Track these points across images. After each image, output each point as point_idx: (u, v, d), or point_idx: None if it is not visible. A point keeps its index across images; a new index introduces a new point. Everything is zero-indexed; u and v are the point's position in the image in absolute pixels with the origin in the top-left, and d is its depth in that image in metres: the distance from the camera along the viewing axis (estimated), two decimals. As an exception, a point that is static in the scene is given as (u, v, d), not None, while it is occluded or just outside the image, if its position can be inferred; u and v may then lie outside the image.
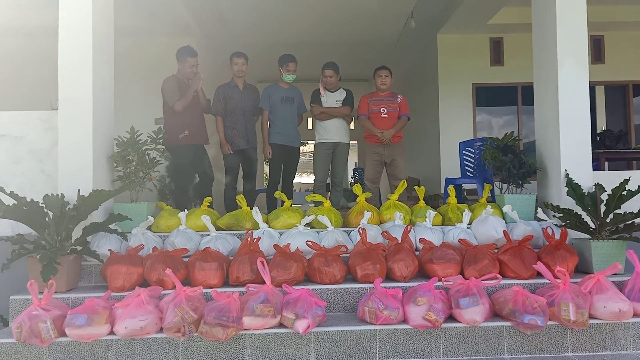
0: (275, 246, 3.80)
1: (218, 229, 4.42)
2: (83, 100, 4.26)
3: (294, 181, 5.79)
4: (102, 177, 4.41)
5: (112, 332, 3.19)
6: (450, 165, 7.84)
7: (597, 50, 8.61)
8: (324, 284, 3.67)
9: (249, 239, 3.84)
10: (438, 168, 8.37)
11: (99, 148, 4.36)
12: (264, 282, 3.35)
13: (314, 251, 3.83)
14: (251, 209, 4.38)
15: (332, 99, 5.70)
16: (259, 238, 3.90)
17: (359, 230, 3.93)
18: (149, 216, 4.25)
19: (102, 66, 4.49)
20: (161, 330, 3.18)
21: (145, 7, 6.69)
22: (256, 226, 4.31)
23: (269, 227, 4.31)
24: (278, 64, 5.60)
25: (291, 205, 4.63)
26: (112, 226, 4.04)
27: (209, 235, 4.12)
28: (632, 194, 3.87)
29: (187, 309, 3.15)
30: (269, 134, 5.55)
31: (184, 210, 4.29)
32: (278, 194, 4.80)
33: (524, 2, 5.03)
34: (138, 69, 7.31)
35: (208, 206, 4.62)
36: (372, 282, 3.52)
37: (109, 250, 3.84)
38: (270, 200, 5.52)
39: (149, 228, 4.34)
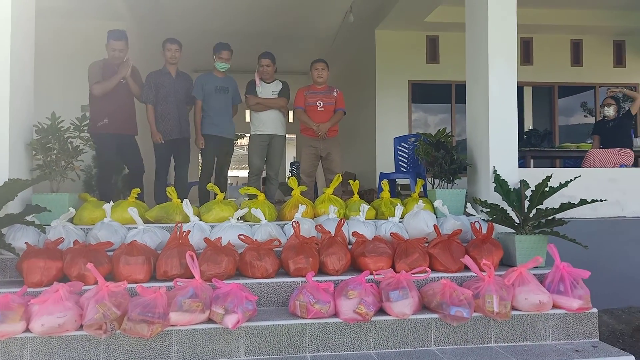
0: (206, 240, 3.69)
1: (147, 222, 4.25)
2: (-1, 84, 3.97)
3: (230, 174, 5.68)
4: (19, 165, 4.13)
5: (27, 330, 2.99)
6: (385, 160, 7.96)
7: (526, 52, 9.01)
8: (256, 278, 3.61)
9: (178, 232, 3.71)
10: (374, 163, 8.48)
11: (16, 135, 4.08)
12: (193, 277, 3.24)
13: (246, 245, 3.76)
14: (182, 201, 4.24)
15: (268, 90, 5.62)
16: (189, 231, 3.78)
17: (292, 224, 3.89)
18: (71, 208, 4.01)
19: (21, 48, 4.20)
20: (81, 327, 3.01)
21: (72, -14, 6.35)
22: (187, 219, 4.18)
23: (200, 220, 4.19)
24: (213, 52, 5.46)
25: (224, 198, 4.52)
26: (29, 218, 3.78)
27: (136, 228, 3.95)
28: (553, 190, 4.05)
29: (109, 305, 2.99)
30: (202, 125, 5.39)
31: (109, 202, 4.09)
32: (211, 186, 4.68)
33: (460, 1, 5.15)
34: (63, 52, 6.91)
35: (136, 198, 4.44)
36: (305, 276, 3.49)
37: (26, 243, 3.59)
38: (202, 192, 5.37)
39: (71, 220, 4.11)
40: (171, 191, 4.42)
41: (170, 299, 3.09)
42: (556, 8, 8.25)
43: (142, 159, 5.21)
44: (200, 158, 5.58)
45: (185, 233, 3.72)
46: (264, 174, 5.89)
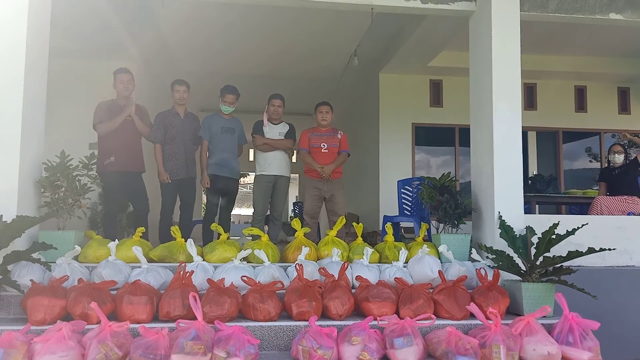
0: (209, 280, 3.67)
1: (150, 260, 4.23)
2: (11, 121, 4.03)
3: (233, 213, 5.69)
4: (28, 202, 4.15)
5: (29, 369, 2.95)
6: (389, 203, 7.95)
7: (529, 97, 9.11)
8: (258, 321, 3.56)
9: (181, 273, 3.69)
10: (377, 205, 8.47)
11: (25, 172, 4.12)
12: (195, 318, 3.21)
13: (249, 287, 3.73)
14: (186, 241, 4.23)
15: (275, 131, 5.68)
16: (192, 272, 3.76)
17: (295, 266, 3.87)
18: (76, 245, 4.02)
19: (33, 86, 4.27)
20: (82, 368, 2.97)
21: (84, 28, 6.51)
22: (190, 259, 4.16)
23: (204, 260, 4.17)
24: (219, 94, 5.54)
25: (228, 239, 4.51)
26: (35, 255, 3.78)
27: (139, 267, 3.93)
28: (560, 238, 4.01)
29: (111, 345, 2.96)
30: (208, 165, 5.44)
31: (114, 240, 4.09)
32: (215, 226, 4.68)
33: (463, 46, 5.26)
34: (74, 92, 7.04)
35: (141, 237, 4.43)
36: (307, 320, 3.44)
37: (31, 280, 3.58)
38: (206, 232, 5.36)
39: (76, 258, 4.10)
40: (175, 230, 4.42)
41: (173, 340, 3.06)
42: (560, 55, 8.40)
43: (148, 197, 5.23)
44: (204, 197, 5.58)
45: (188, 273, 3.70)
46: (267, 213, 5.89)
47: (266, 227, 5.87)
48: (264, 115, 5.72)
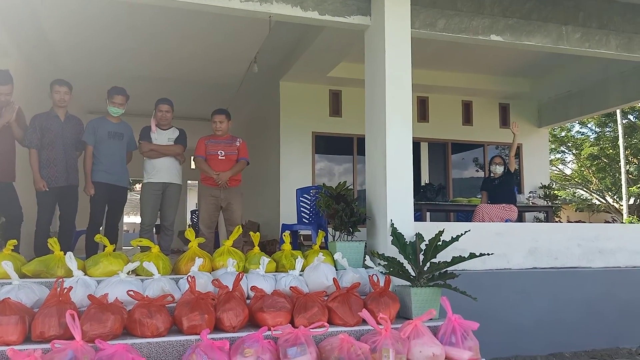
0: (90, 297, 3.40)
1: (23, 276, 3.87)
2: None
3: (127, 221, 5.38)
4: None
5: None
6: (289, 210, 7.96)
7: (422, 110, 9.57)
8: (146, 337, 3.36)
9: (58, 289, 3.40)
10: (277, 213, 8.45)
11: None
12: (73, 338, 2.96)
13: (137, 301, 3.52)
14: (65, 254, 3.91)
15: (163, 137, 5.45)
16: (71, 287, 3.48)
17: (187, 279, 3.72)
18: None
19: None
20: None
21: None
22: (69, 274, 3.85)
23: (86, 274, 3.89)
24: (106, 96, 5.25)
25: (114, 250, 4.24)
26: None
27: (10, 283, 3.57)
28: (446, 244, 4.22)
29: (-28, 373, 2.66)
30: (93, 171, 5.10)
31: (-20, 255, 3.69)
32: (99, 237, 4.37)
33: (361, 58, 5.39)
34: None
35: (12, 250, 4.04)
36: (199, 334, 3.32)
37: None
38: (90, 244, 4.98)
39: None
40: (53, 243, 4.07)
41: (46, 363, 2.80)
42: (450, 71, 8.93)
43: (21, 206, 4.79)
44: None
45: (66, 289, 3.42)
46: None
47: (157, 239, 5.62)
48: (152, 121, 5.48)
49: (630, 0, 5.82)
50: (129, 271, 3.91)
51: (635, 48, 5.94)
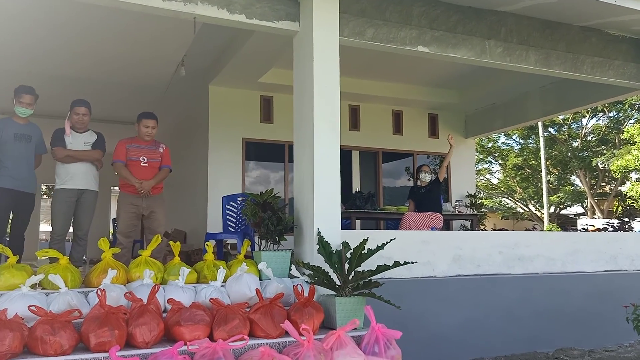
0: (-15, 313, 3.11)
1: None
2: None
3: (43, 230, 5.01)
4: None
5: None
6: (217, 219, 7.72)
7: (354, 118, 9.62)
8: (48, 356, 3.11)
9: (-52, 305, 3.08)
10: (205, 221, 8.19)
11: None
12: (-39, 361, 2.68)
13: (39, 317, 3.25)
14: (-40, 266, 3.57)
15: (79, 141, 5.13)
16: (-37, 304, 3.16)
17: (97, 292, 3.47)
18: None
19: None
20: None
21: None
22: (-36, 288, 3.51)
23: (-16, 288, 3.56)
24: (13, 95, 4.89)
25: (18, 262, 3.91)
26: None
27: None
28: (371, 252, 4.18)
29: None
30: None
31: None
32: (1, 248, 4.02)
33: (292, 65, 5.31)
34: None
35: None
36: (108, 351, 3.09)
37: None
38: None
39: None
40: (-54, 254, 3.71)
41: None
42: (380, 81, 9.04)
43: None
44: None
45: (-43, 306, 3.10)
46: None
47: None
48: (66, 123, 5.14)
49: (549, 18, 6.09)
50: (33, 284, 3.61)
51: (553, 63, 6.22)
